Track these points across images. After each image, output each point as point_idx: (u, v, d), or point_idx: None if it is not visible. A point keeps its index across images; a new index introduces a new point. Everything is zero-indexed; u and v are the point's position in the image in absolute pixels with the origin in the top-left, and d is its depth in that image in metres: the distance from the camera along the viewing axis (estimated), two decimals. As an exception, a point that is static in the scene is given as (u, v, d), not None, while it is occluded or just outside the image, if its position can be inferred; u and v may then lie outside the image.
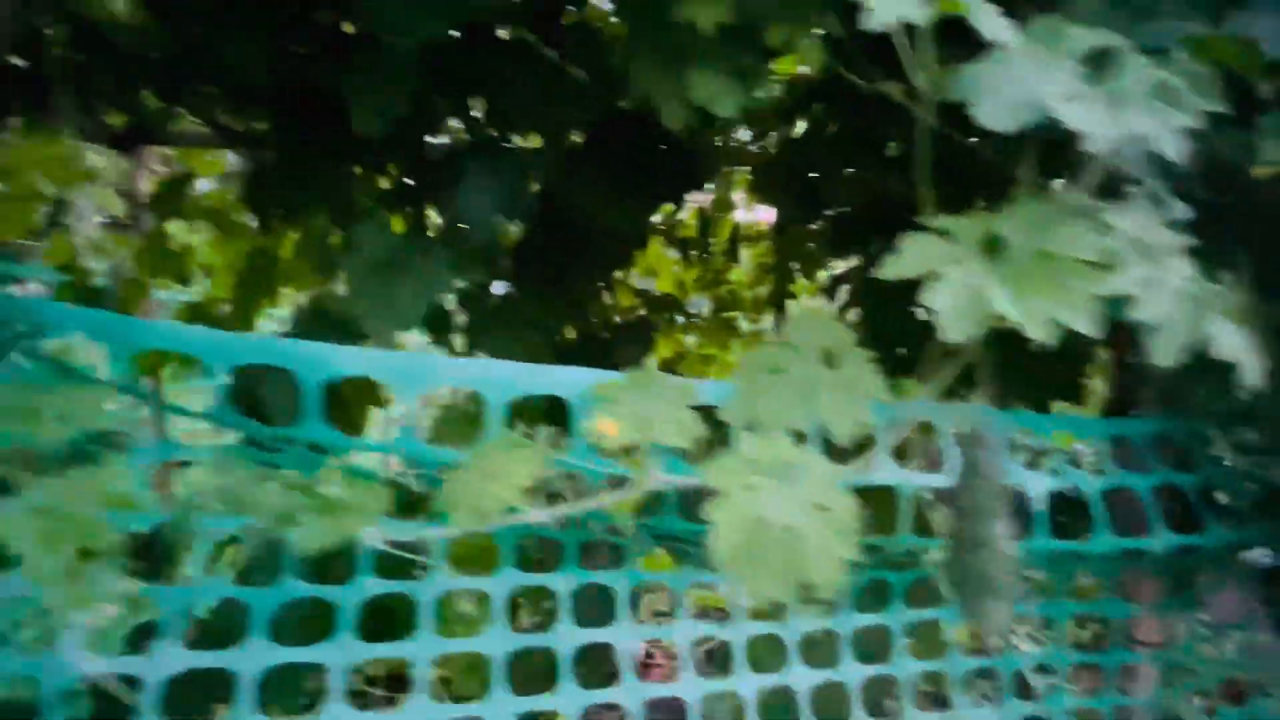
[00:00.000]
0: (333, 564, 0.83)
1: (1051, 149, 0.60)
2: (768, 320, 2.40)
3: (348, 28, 1.25)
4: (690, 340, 2.48)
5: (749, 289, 2.53)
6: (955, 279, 0.51)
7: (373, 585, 0.82)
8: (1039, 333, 0.49)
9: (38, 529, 0.48)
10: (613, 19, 1.66)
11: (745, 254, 2.48)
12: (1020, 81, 0.50)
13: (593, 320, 2.04)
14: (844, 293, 1.73)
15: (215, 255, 1.83)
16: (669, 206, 2.10)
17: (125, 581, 0.52)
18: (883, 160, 1.43)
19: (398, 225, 1.96)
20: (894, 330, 1.51)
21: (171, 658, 0.71)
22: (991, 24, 0.48)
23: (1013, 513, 0.64)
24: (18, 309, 0.62)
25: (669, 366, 2.34)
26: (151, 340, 0.67)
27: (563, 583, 0.88)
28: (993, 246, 0.55)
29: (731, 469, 0.54)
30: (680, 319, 2.37)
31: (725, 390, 0.69)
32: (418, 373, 0.67)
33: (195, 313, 1.73)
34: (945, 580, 0.64)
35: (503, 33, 1.28)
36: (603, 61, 1.41)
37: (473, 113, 1.25)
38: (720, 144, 1.94)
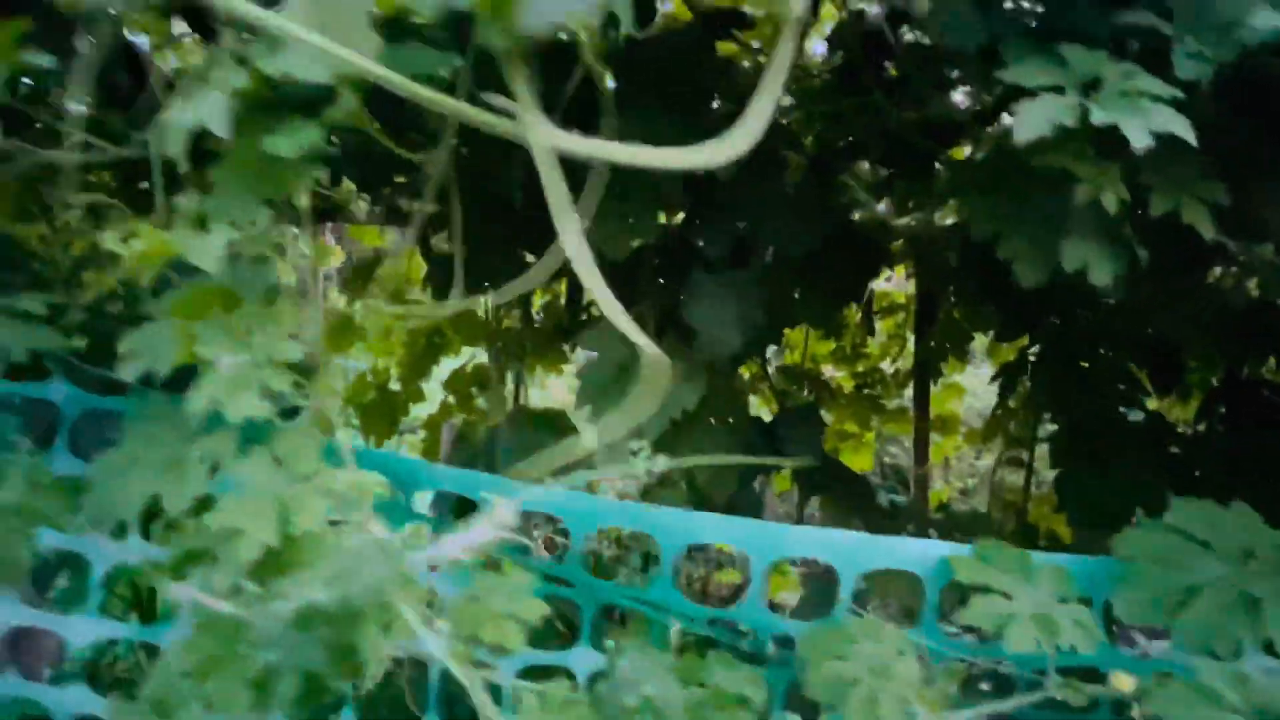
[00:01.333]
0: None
1: None
2: (908, 396, 2.33)
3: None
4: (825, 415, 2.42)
5: (882, 361, 2.47)
6: None
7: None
8: None
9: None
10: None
11: (879, 325, 2.42)
12: None
13: (745, 401, 2.01)
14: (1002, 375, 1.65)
15: (380, 326, 1.87)
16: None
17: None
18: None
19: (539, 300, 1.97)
20: (1093, 424, 1.43)
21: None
22: None
23: None
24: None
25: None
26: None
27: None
28: None
29: (1191, 701, 0.50)
30: (816, 393, 2.32)
31: (1098, 573, 0.65)
32: (770, 542, 0.65)
33: (368, 384, 1.76)
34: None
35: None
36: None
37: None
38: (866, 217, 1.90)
